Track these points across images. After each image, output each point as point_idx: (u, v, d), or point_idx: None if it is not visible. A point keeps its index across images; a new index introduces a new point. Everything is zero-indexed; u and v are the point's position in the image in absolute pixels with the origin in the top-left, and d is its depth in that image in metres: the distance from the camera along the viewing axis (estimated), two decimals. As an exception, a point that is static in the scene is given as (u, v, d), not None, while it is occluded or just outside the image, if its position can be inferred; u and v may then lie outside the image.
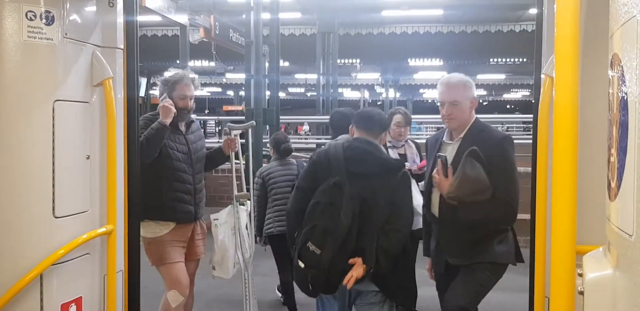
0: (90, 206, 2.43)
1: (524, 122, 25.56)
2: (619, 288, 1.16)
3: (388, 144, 3.88)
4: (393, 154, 3.88)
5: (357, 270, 2.49)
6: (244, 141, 4.03)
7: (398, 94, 32.30)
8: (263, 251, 4.47)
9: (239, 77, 23.46)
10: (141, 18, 12.47)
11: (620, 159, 1.14)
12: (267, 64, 10.89)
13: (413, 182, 3.18)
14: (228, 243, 3.49)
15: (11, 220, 2.17)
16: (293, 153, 4.68)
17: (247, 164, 4.02)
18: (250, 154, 4.32)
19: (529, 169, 2.37)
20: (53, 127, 2.22)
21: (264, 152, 8.51)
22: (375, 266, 2.51)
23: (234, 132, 3.59)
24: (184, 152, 3.30)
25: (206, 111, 30.08)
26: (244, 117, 8.80)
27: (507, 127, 26.15)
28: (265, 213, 4.39)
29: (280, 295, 4.70)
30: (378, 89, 32.02)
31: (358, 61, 22.43)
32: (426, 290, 3.11)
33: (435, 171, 2.71)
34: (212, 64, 15.90)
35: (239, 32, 12.61)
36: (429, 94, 35.20)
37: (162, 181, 3.22)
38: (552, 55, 1.97)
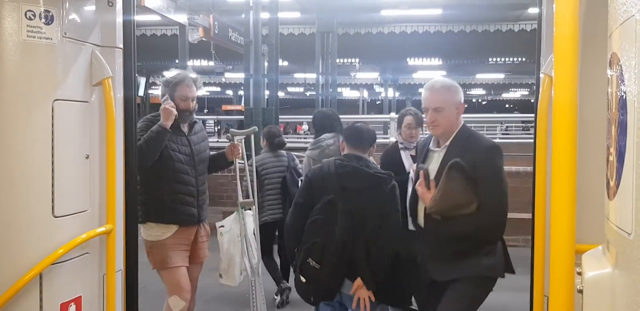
0: (89, 205, 2.43)
1: (522, 122, 25.57)
2: (618, 286, 1.16)
3: (400, 146, 3.85)
4: (405, 155, 3.80)
5: (361, 293, 2.70)
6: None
7: (397, 94, 32.29)
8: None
9: (238, 76, 23.47)
10: (140, 17, 12.53)
11: (619, 158, 1.14)
12: (266, 64, 10.88)
13: None
14: (234, 250, 3.49)
15: (10, 219, 2.17)
16: (294, 154, 4.71)
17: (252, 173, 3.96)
18: (254, 160, 4.29)
19: (529, 168, 2.37)
20: (52, 126, 2.22)
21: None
22: (373, 275, 2.70)
23: (236, 138, 3.57)
24: (186, 153, 3.27)
25: (205, 111, 30.11)
26: (243, 117, 8.80)
27: (507, 127, 26.10)
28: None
29: (277, 298, 4.72)
30: (377, 89, 32.03)
31: (357, 60, 22.44)
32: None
33: (418, 183, 2.61)
34: (211, 63, 15.93)
35: (238, 32, 12.62)
36: (428, 94, 35.12)
37: (164, 182, 3.18)
38: (551, 54, 1.98)
